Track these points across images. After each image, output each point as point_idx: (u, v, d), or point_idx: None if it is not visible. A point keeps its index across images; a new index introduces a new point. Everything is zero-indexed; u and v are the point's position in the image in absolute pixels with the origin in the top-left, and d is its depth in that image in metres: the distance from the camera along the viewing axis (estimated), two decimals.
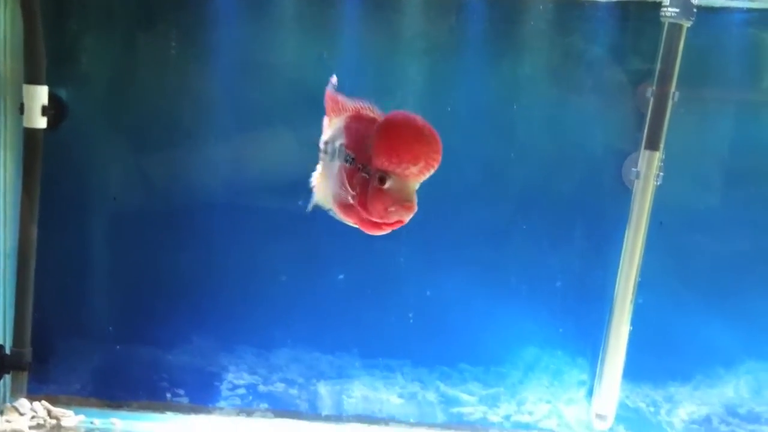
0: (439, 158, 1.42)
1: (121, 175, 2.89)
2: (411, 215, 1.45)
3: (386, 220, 1.47)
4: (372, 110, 1.55)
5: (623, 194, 2.73)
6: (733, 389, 2.88)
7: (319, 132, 1.69)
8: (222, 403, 2.91)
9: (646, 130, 2.66)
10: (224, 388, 2.92)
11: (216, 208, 2.88)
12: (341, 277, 2.86)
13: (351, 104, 1.60)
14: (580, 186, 2.79)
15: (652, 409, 2.90)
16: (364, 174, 1.48)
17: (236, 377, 2.93)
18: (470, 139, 2.79)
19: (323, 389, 2.94)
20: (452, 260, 2.86)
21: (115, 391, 2.90)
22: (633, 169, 2.68)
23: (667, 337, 2.86)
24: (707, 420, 2.89)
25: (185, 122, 2.84)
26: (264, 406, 2.91)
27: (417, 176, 1.43)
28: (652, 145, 2.65)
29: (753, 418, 2.89)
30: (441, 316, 2.94)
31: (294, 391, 2.94)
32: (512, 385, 2.93)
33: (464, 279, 2.87)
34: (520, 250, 2.83)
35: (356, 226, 1.58)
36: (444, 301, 2.90)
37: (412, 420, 2.92)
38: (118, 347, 2.89)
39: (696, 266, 2.82)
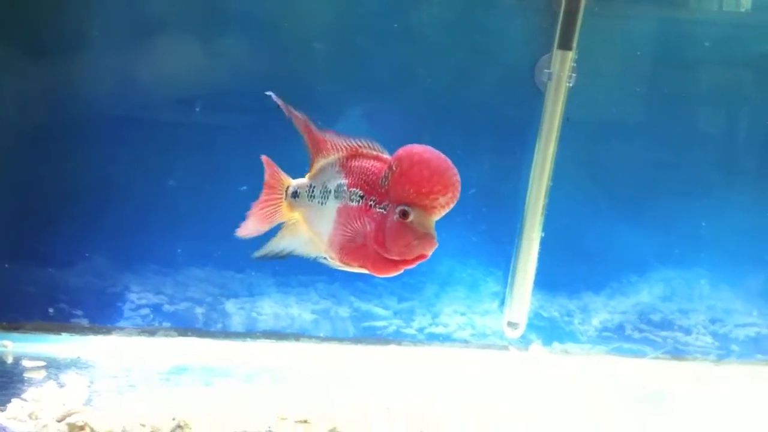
0: (459, 190, 1.42)
1: (11, 85, 2.66)
2: (433, 250, 1.43)
3: (406, 256, 1.44)
4: (372, 146, 1.55)
5: (536, 97, 2.63)
6: (646, 296, 2.87)
7: None
8: (123, 323, 2.78)
9: (558, 28, 2.55)
10: (126, 308, 2.79)
11: (113, 118, 2.70)
12: (244, 188, 2.71)
13: (345, 143, 1.58)
14: (492, 89, 2.69)
15: (566, 318, 2.87)
16: (380, 210, 1.46)
17: (139, 297, 2.80)
18: (378, 41, 2.66)
19: (232, 307, 2.83)
20: None
21: (8, 312, 2.74)
22: (545, 70, 2.58)
23: (582, 245, 2.82)
24: (620, 327, 2.88)
25: (80, 32, 2.62)
26: (167, 325, 2.78)
27: (443, 208, 1.42)
28: (565, 44, 2.55)
29: (666, 325, 2.90)
30: None
31: (201, 310, 2.82)
32: (427, 298, 2.87)
33: None
34: None
35: (360, 270, 1.53)
36: None
37: (322, 335, 2.83)
38: (8, 266, 2.71)
39: (609, 172, 2.77)
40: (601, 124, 2.72)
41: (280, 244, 1.73)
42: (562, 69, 2.55)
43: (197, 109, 2.65)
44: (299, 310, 2.84)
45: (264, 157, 1.76)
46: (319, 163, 1.64)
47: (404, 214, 1.44)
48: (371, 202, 1.50)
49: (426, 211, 1.44)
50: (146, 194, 2.75)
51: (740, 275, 2.90)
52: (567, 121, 2.57)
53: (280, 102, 1.67)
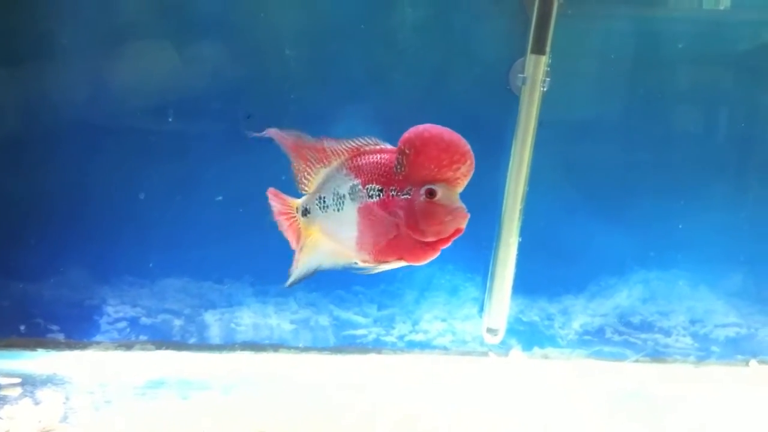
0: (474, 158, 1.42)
1: None
2: (467, 220, 1.42)
3: (443, 235, 1.43)
4: (372, 141, 1.53)
5: (512, 101, 2.62)
6: (626, 298, 2.86)
7: None
8: (99, 338, 2.75)
9: (531, 33, 2.55)
10: (103, 322, 2.76)
11: (87, 128, 2.67)
12: (220, 198, 2.70)
13: (344, 145, 1.55)
14: (468, 94, 2.68)
15: (546, 322, 2.87)
16: (405, 196, 1.44)
17: (116, 310, 2.77)
18: (353, 46, 2.66)
19: (210, 319, 2.81)
20: None
21: None
22: (520, 75, 2.57)
23: (561, 249, 2.81)
24: (600, 331, 2.88)
25: (50, 40, 2.60)
26: (144, 338, 2.76)
27: (465, 177, 1.43)
28: (539, 49, 2.54)
29: (646, 327, 2.89)
30: None
31: (179, 322, 2.79)
32: (407, 304, 2.85)
33: None
34: None
35: (398, 264, 1.51)
36: None
37: (301, 345, 2.81)
38: None
39: (586, 174, 2.76)
40: (577, 127, 2.71)
41: (307, 265, 1.68)
42: (535, 73, 2.54)
43: (170, 119, 2.63)
44: (278, 320, 2.82)
45: (271, 191, 1.72)
46: (321, 172, 1.61)
47: (431, 193, 1.43)
48: (392, 192, 1.48)
49: (450, 184, 1.43)
50: (121, 205, 2.72)
51: (719, 275, 2.90)
52: (539, 125, 2.56)
53: (268, 133, 1.64)
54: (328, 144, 1.59)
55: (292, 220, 1.69)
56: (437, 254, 1.50)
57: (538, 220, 2.71)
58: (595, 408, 2.49)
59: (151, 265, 2.77)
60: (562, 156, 2.74)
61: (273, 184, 2.72)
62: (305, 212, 1.65)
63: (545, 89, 2.56)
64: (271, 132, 1.64)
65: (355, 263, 1.59)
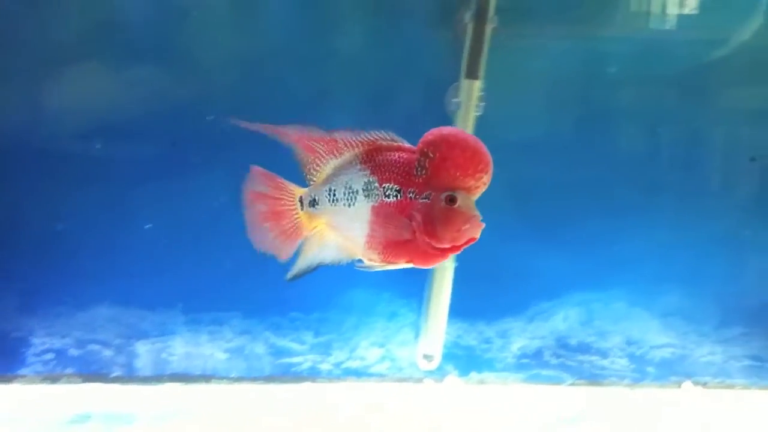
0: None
1: None
2: (481, 230, 1.41)
3: (458, 242, 1.42)
4: (389, 137, 1.50)
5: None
6: (563, 321, 2.86)
7: None
8: (24, 371, 2.65)
9: (465, 58, 2.55)
10: (29, 353, 2.66)
11: (12, 154, 2.59)
12: (149, 226, 2.63)
13: (359, 138, 1.51)
14: (406, 118, 2.66)
15: (484, 346, 2.85)
16: (424, 200, 1.41)
17: (42, 342, 2.67)
18: (290, 68, 2.65)
19: (142, 349, 2.73)
20: None
21: None
22: (453, 99, 2.57)
23: (499, 272, 2.80)
24: (538, 353, 2.87)
25: None
26: (70, 370, 2.66)
27: (484, 186, 1.43)
28: (472, 74, 2.54)
29: (583, 349, 2.90)
30: (268, 263, 2.76)
31: (109, 353, 2.71)
32: (345, 331, 2.81)
33: None
34: None
35: (406, 265, 1.47)
36: None
37: (234, 375, 2.75)
38: None
39: (522, 198, 2.76)
40: (512, 150, 2.70)
41: (310, 258, 1.60)
42: (469, 98, 2.54)
43: (98, 145, 2.57)
44: (211, 349, 2.75)
45: (256, 168, 1.61)
46: (331, 163, 1.55)
47: (452, 200, 1.41)
48: (411, 194, 1.44)
49: (469, 193, 1.42)
50: (48, 233, 2.63)
51: (655, 296, 2.92)
52: None
53: (261, 128, 1.56)
54: (340, 136, 1.54)
55: (290, 206, 1.60)
56: (447, 258, 1.48)
57: (474, 244, 2.69)
58: None
59: (79, 294, 2.68)
60: (498, 179, 2.72)
61: (206, 210, 2.68)
62: (312, 203, 1.57)
63: (479, 113, 2.56)
64: (269, 127, 1.57)
65: (359, 260, 1.54)
